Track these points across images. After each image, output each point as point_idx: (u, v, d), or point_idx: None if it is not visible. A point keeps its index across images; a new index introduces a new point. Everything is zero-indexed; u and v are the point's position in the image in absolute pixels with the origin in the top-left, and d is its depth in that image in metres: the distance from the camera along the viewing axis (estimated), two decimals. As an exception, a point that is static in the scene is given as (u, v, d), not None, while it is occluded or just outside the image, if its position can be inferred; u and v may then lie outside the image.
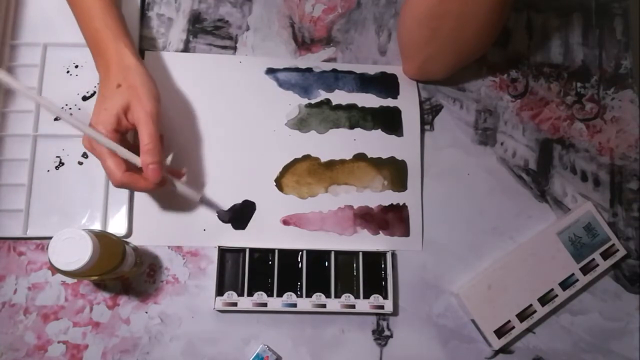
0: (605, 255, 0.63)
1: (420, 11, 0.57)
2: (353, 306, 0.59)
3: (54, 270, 0.48)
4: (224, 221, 0.60)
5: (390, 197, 0.63)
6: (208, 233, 0.60)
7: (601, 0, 0.72)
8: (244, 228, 0.61)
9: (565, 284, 0.61)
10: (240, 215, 0.61)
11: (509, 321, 0.60)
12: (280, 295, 0.58)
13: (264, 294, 0.58)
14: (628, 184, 0.67)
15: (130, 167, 0.52)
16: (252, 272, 0.58)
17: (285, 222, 0.61)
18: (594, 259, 0.62)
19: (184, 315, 0.58)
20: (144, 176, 0.51)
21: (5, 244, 0.58)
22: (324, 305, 0.58)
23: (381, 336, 0.60)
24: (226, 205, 0.61)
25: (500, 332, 0.60)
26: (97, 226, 0.59)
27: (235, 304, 0.57)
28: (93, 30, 0.54)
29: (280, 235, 0.61)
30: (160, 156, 0.52)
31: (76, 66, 0.62)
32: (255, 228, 0.61)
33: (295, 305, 0.58)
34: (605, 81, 0.70)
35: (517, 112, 0.68)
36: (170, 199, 0.60)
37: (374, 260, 0.60)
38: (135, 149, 0.52)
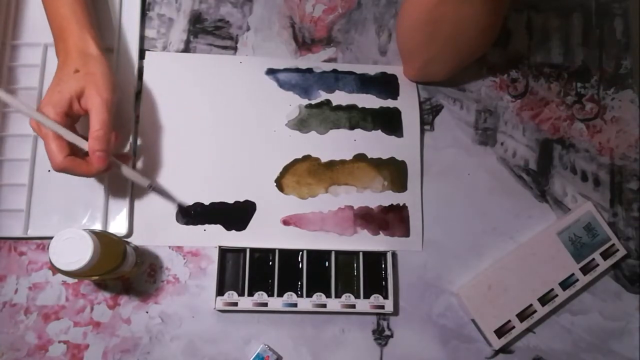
0: (605, 255, 0.63)
1: (417, 16, 0.57)
2: (353, 306, 0.59)
3: (55, 270, 0.48)
4: (183, 214, 0.60)
5: (390, 198, 0.63)
6: (208, 233, 0.60)
7: (601, 1, 0.73)
8: (244, 228, 0.61)
9: (565, 284, 0.61)
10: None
11: (509, 321, 0.60)
12: (280, 295, 0.58)
13: (265, 294, 0.58)
14: (628, 184, 0.67)
15: (74, 152, 0.52)
16: (253, 272, 0.58)
17: (286, 222, 0.61)
18: (594, 259, 0.63)
19: (185, 315, 0.58)
20: (88, 161, 0.51)
21: (6, 244, 0.58)
22: (324, 305, 0.58)
23: (381, 336, 0.60)
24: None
25: (500, 332, 0.60)
26: (97, 226, 0.59)
27: (235, 304, 0.57)
28: (59, 16, 0.54)
29: (281, 235, 0.61)
30: (109, 145, 0.51)
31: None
32: (256, 228, 0.61)
33: (295, 305, 0.58)
34: (605, 81, 0.70)
35: (517, 112, 0.68)
36: (170, 199, 0.60)
37: (374, 260, 0.61)
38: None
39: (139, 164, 0.61)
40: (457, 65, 0.63)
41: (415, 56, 0.62)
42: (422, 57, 0.61)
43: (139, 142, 0.62)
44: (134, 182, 0.57)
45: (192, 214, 0.60)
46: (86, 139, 0.51)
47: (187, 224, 0.60)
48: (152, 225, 0.60)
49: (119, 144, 0.60)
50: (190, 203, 0.60)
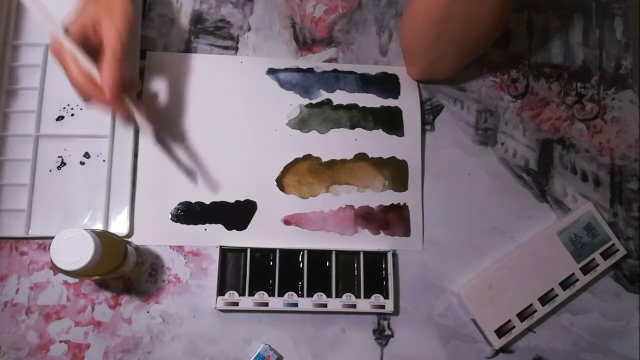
0: (606, 255, 0.63)
1: (426, 15, 0.57)
2: (354, 306, 0.59)
3: (56, 270, 0.48)
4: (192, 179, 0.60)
5: (391, 197, 0.63)
6: (209, 233, 0.60)
7: (601, 1, 0.73)
8: (244, 228, 0.61)
9: (565, 284, 0.62)
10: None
11: (510, 321, 0.60)
12: (281, 294, 0.58)
13: (265, 294, 0.58)
14: (628, 184, 0.68)
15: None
16: (254, 272, 0.59)
17: (287, 221, 0.62)
18: (594, 259, 0.63)
19: (186, 315, 0.58)
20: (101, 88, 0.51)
21: (7, 244, 0.58)
22: (325, 305, 0.58)
23: (382, 336, 0.60)
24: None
25: (500, 332, 0.60)
26: (98, 226, 0.59)
27: (236, 304, 0.57)
28: None
29: (282, 235, 0.61)
30: (119, 73, 0.51)
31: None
32: (257, 228, 0.61)
33: (296, 304, 0.58)
34: (605, 81, 0.70)
35: (517, 113, 0.68)
36: (171, 199, 0.60)
37: (375, 260, 0.61)
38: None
39: (139, 164, 0.61)
40: (461, 65, 0.63)
41: (421, 56, 0.62)
42: (428, 57, 0.61)
43: (139, 142, 0.62)
44: (139, 126, 0.57)
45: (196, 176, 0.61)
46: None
47: (198, 221, 0.60)
48: (153, 225, 0.60)
49: (134, 89, 0.59)
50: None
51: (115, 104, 0.52)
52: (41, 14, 0.50)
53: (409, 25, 0.61)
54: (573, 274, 0.62)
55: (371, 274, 0.60)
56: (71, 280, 0.58)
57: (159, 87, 0.63)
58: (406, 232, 0.63)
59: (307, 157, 0.63)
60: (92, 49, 0.53)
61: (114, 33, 0.51)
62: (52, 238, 0.47)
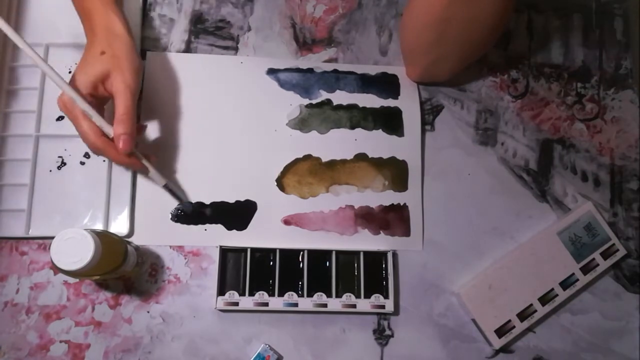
0: (606, 255, 0.63)
1: (427, 16, 0.57)
2: (354, 306, 0.59)
3: (56, 270, 0.48)
4: (186, 213, 0.60)
5: (391, 197, 0.63)
6: (209, 233, 0.60)
7: (601, 1, 0.73)
8: (244, 228, 0.61)
9: (565, 284, 0.62)
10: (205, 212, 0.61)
11: (510, 320, 0.60)
12: (281, 294, 0.58)
13: (265, 294, 0.58)
14: (628, 184, 0.68)
15: (104, 134, 0.53)
16: (254, 272, 0.59)
17: (287, 221, 0.62)
18: (594, 259, 0.63)
19: (186, 315, 0.58)
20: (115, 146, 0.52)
21: (7, 244, 0.58)
22: (325, 305, 0.58)
23: (382, 336, 0.60)
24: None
25: (500, 332, 0.60)
26: (99, 226, 0.59)
27: (236, 304, 0.57)
28: None
29: (282, 235, 0.61)
30: (133, 129, 0.52)
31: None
32: (257, 228, 0.61)
33: (296, 304, 0.58)
34: (605, 81, 0.70)
35: (517, 113, 0.68)
36: (171, 200, 0.60)
37: (375, 260, 0.61)
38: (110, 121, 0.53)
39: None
40: (461, 66, 0.63)
41: (421, 57, 0.62)
42: (428, 58, 0.61)
43: (139, 142, 0.62)
44: (152, 179, 0.58)
45: (205, 210, 0.61)
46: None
47: (198, 222, 0.61)
48: (153, 225, 0.60)
49: (141, 133, 0.60)
50: (192, 202, 0.61)
51: (128, 157, 0.53)
52: (55, 77, 0.51)
53: (409, 26, 0.61)
54: (573, 274, 0.62)
55: (371, 274, 0.60)
56: (71, 280, 0.58)
57: (159, 87, 0.63)
58: (406, 232, 0.63)
59: (307, 157, 0.63)
60: (100, 101, 0.54)
61: (123, 86, 0.52)
62: (52, 238, 0.47)
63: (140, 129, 0.59)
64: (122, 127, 0.51)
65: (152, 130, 0.62)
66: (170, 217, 0.60)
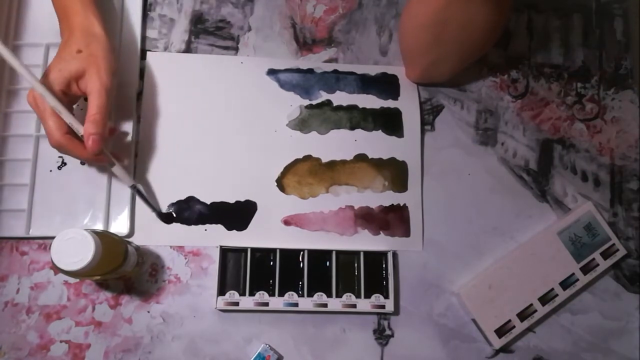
0: (606, 255, 0.63)
1: (424, 17, 0.57)
2: (354, 306, 0.59)
3: (57, 270, 0.49)
4: (160, 218, 0.60)
5: (390, 198, 0.64)
6: (209, 233, 0.60)
7: (601, 1, 0.73)
8: (245, 228, 0.61)
9: (565, 284, 0.62)
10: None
11: (510, 320, 0.60)
12: (281, 294, 0.58)
13: (266, 294, 0.58)
14: (628, 184, 0.68)
15: (70, 132, 0.52)
16: (254, 272, 0.59)
17: (287, 222, 0.62)
18: (594, 259, 0.63)
19: (186, 315, 0.59)
20: (83, 144, 0.52)
21: (8, 244, 0.58)
22: (325, 305, 0.59)
23: (382, 335, 0.60)
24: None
25: (500, 332, 0.60)
26: (99, 226, 0.59)
27: (236, 304, 0.57)
28: None
29: (282, 235, 0.61)
30: (104, 129, 0.51)
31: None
32: (257, 228, 0.61)
33: (296, 304, 0.58)
34: (605, 81, 0.70)
35: (517, 113, 0.68)
36: (171, 200, 0.60)
37: (375, 260, 0.61)
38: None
39: (140, 164, 0.61)
40: (460, 67, 0.63)
41: (419, 58, 0.62)
42: (426, 59, 0.61)
43: (140, 142, 0.62)
44: (119, 179, 0.57)
45: (173, 218, 0.60)
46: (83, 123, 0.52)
47: (198, 222, 0.60)
48: (153, 225, 0.60)
49: (116, 138, 0.60)
50: (165, 210, 0.60)
51: (96, 157, 0.53)
52: (23, 70, 0.50)
53: (408, 27, 0.61)
54: (573, 274, 0.62)
55: (371, 274, 0.60)
56: (72, 280, 0.58)
57: (159, 87, 0.63)
58: (406, 233, 0.63)
59: (307, 157, 0.63)
60: (71, 100, 0.53)
61: (98, 85, 0.51)
62: (52, 238, 0.47)
63: (112, 132, 0.59)
64: (93, 126, 0.50)
65: (152, 131, 0.62)
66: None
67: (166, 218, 0.60)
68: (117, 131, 0.60)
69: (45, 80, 0.51)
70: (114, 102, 0.61)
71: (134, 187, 0.58)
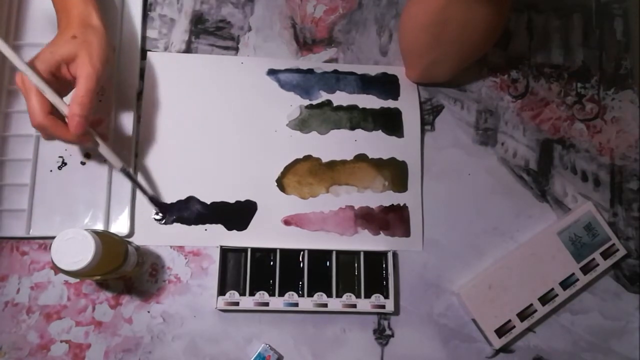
0: (606, 255, 0.63)
1: (423, 18, 0.57)
2: (354, 306, 0.59)
3: (57, 270, 0.49)
4: (156, 204, 0.60)
5: (390, 198, 0.64)
6: (209, 233, 0.60)
7: (601, 1, 0.73)
8: (245, 228, 0.61)
9: (565, 284, 0.62)
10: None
11: (510, 320, 0.60)
12: (281, 294, 0.58)
13: (266, 294, 0.58)
14: (628, 184, 0.68)
15: (54, 114, 0.51)
16: (254, 272, 0.59)
17: (287, 222, 0.62)
18: (594, 259, 0.63)
19: (186, 315, 0.59)
20: (66, 125, 0.51)
21: (8, 244, 0.58)
22: (325, 305, 0.59)
23: (382, 335, 0.61)
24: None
25: (500, 332, 0.60)
26: (99, 226, 0.59)
27: (237, 304, 0.58)
28: None
29: (282, 235, 0.61)
30: (89, 112, 0.51)
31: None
32: (257, 228, 0.61)
33: (296, 304, 0.58)
34: (605, 81, 0.70)
35: (517, 113, 0.68)
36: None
37: (375, 260, 0.61)
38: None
39: (140, 164, 0.61)
40: (460, 67, 0.64)
41: (419, 58, 0.62)
42: (426, 59, 0.61)
43: (140, 142, 0.62)
44: (108, 161, 0.57)
45: (166, 207, 0.60)
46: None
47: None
48: (153, 225, 0.60)
49: (103, 129, 0.60)
50: (162, 200, 0.60)
51: (79, 138, 0.52)
52: (8, 51, 0.49)
53: (407, 27, 0.61)
54: (573, 273, 0.62)
55: (371, 274, 0.60)
56: (72, 280, 0.58)
57: (159, 87, 0.63)
58: (406, 233, 0.63)
59: (307, 157, 0.63)
60: (64, 84, 0.52)
61: (90, 69, 0.51)
62: (52, 238, 0.47)
63: (98, 122, 0.57)
64: (78, 108, 0.50)
65: (153, 131, 0.62)
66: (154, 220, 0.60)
67: (159, 204, 0.60)
68: (104, 122, 0.59)
69: (34, 60, 0.51)
70: (114, 103, 0.61)
71: (123, 170, 0.56)
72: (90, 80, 0.51)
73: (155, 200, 0.60)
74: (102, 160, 0.61)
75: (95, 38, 0.52)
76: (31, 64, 0.50)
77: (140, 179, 0.60)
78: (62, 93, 0.52)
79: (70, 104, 0.50)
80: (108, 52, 0.53)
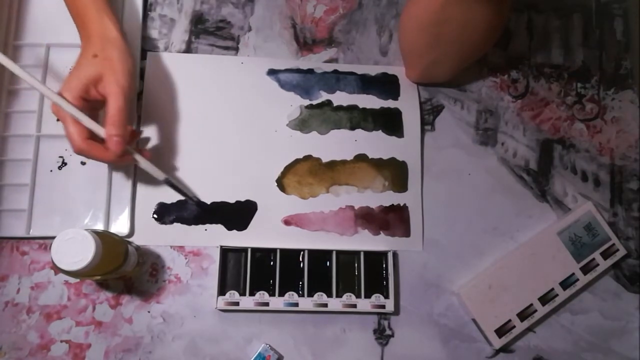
0: (606, 255, 0.63)
1: (422, 18, 0.57)
2: (354, 306, 0.59)
3: (57, 270, 0.49)
4: (199, 206, 0.60)
5: (391, 198, 0.64)
6: (210, 233, 0.60)
7: (601, 1, 0.73)
8: (245, 228, 0.61)
9: (565, 284, 0.62)
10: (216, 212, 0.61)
11: (510, 320, 0.60)
12: (282, 294, 0.58)
13: (266, 294, 0.58)
14: (628, 184, 0.68)
15: (92, 137, 0.52)
16: (254, 272, 0.59)
17: (287, 222, 0.62)
18: (594, 259, 0.63)
19: (186, 315, 0.59)
20: (105, 147, 0.52)
21: (8, 244, 0.58)
22: (325, 305, 0.59)
23: (382, 335, 0.61)
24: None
25: (500, 332, 0.60)
26: (99, 226, 0.59)
27: (237, 304, 0.58)
28: (78, 3, 0.54)
29: (282, 235, 0.61)
30: (125, 130, 0.52)
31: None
32: (257, 228, 0.61)
33: (296, 304, 0.58)
34: (605, 81, 0.70)
35: (517, 113, 0.68)
36: (172, 199, 0.60)
37: (375, 260, 0.61)
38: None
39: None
40: (460, 67, 0.64)
41: (418, 58, 0.62)
42: (426, 59, 0.61)
43: (140, 142, 0.62)
44: (151, 174, 0.57)
45: (210, 208, 0.60)
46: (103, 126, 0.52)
47: (198, 222, 0.60)
48: (153, 225, 0.60)
49: (135, 139, 0.60)
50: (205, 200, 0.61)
51: (120, 157, 0.53)
52: (41, 87, 0.50)
53: (407, 27, 0.61)
54: (573, 273, 0.62)
55: (371, 274, 0.60)
56: (72, 280, 0.58)
57: (159, 87, 0.63)
58: (406, 233, 0.63)
59: (308, 157, 0.63)
60: (94, 105, 0.53)
61: (116, 88, 0.51)
62: (53, 238, 0.47)
63: (134, 135, 0.59)
64: (113, 128, 0.51)
65: (153, 131, 0.62)
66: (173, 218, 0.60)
67: (204, 206, 0.60)
68: (139, 135, 0.61)
69: (64, 88, 0.52)
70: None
71: (167, 180, 0.57)
72: (119, 98, 0.51)
73: (202, 205, 0.60)
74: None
75: (115, 52, 0.53)
76: (62, 93, 0.51)
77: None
78: (97, 111, 0.54)
79: (105, 126, 0.51)
80: (130, 63, 0.54)
